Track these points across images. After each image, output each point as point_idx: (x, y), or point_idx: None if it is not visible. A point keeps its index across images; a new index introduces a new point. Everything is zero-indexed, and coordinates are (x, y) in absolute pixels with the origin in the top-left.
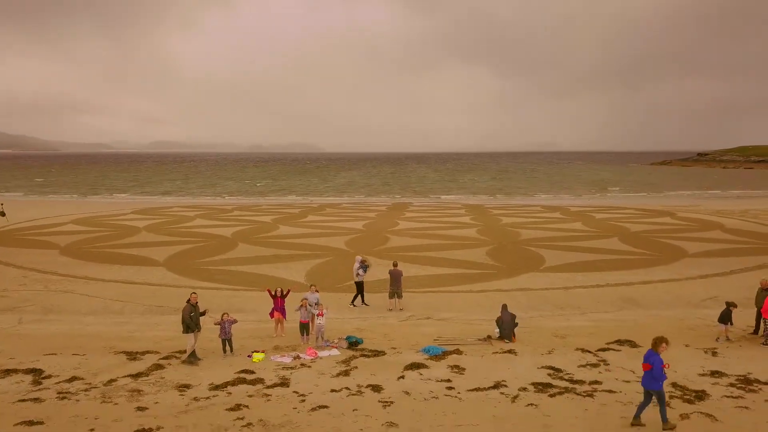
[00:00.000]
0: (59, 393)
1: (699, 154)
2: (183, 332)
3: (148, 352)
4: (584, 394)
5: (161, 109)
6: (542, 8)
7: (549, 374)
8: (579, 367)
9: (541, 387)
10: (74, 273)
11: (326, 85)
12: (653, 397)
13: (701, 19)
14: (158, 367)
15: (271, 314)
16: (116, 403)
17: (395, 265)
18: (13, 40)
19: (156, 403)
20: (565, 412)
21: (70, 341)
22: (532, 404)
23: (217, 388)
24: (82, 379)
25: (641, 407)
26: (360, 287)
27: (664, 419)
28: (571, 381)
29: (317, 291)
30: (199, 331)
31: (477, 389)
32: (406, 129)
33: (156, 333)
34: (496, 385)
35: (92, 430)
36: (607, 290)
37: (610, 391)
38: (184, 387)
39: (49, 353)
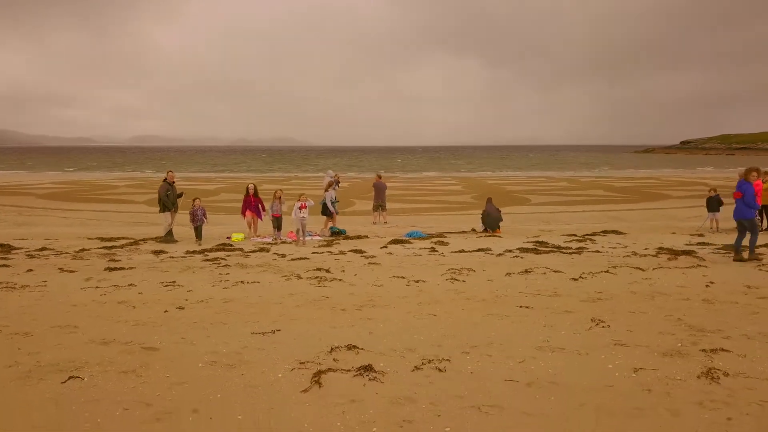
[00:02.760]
0: (28, 255)
1: (682, 143)
2: (159, 211)
3: (123, 238)
4: (570, 252)
5: (142, 102)
6: None
7: (535, 245)
8: (565, 243)
9: (527, 250)
10: (51, 206)
11: (311, 77)
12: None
13: (689, 10)
14: (133, 243)
15: (243, 212)
16: (88, 260)
17: (379, 177)
18: (4, 38)
19: (129, 259)
20: (551, 260)
21: (42, 236)
22: (518, 257)
23: (193, 252)
24: (52, 249)
25: (738, 241)
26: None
27: (752, 250)
28: (558, 248)
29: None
30: (176, 210)
31: (461, 251)
32: (392, 121)
33: (134, 231)
34: (480, 250)
35: (61, 269)
36: (592, 213)
37: (597, 252)
38: (159, 252)
39: (18, 238)
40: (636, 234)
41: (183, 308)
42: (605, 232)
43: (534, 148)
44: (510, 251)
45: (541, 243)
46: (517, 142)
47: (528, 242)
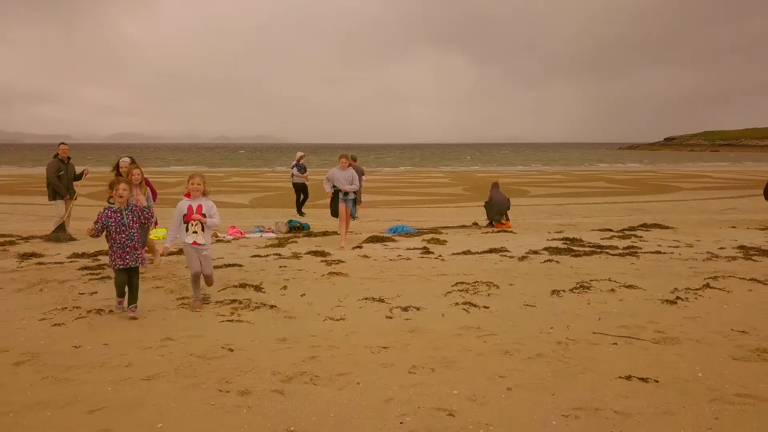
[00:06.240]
0: None
1: (666, 139)
2: (48, 199)
3: (3, 235)
4: (621, 253)
5: (120, 99)
6: None
7: (566, 243)
8: (604, 240)
9: (559, 251)
10: None
11: (293, 73)
12: None
13: (673, 9)
14: (7, 243)
15: None
16: None
17: (354, 159)
18: None
19: None
20: (603, 266)
21: None
22: (551, 261)
23: (81, 256)
24: None
25: None
26: (300, 190)
27: None
28: (599, 247)
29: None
30: (72, 197)
31: (466, 252)
32: (376, 119)
33: (34, 227)
34: (493, 251)
35: None
36: (608, 205)
37: (657, 252)
38: (29, 256)
39: None
40: (686, 229)
41: None
42: (645, 226)
43: (519, 145)
44: (535, 252)
45: (573, 240)
46: (503, 140)
47: (553, 239)
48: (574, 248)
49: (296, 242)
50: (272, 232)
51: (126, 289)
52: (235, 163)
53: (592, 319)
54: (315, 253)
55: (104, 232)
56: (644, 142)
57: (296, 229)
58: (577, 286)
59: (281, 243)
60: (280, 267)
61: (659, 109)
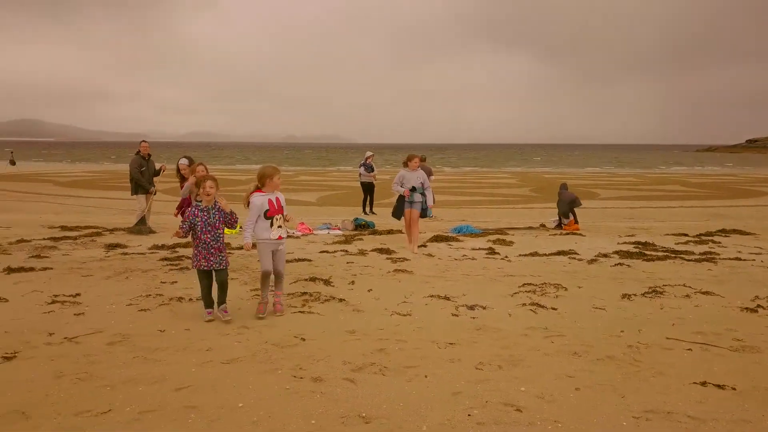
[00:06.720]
0: None
1: (748, 141)
2: (131, 193)
3: (89, 227)
4: (696, 259)
5: (194, 99)
6: None
7: (638, 247)
8: (678, 245)
9: (630, 255)
10: (60, 193)
11: (357, 74)
12: None
13: (757, 3)
14: (94, 234)
15: (178, 210)
16: (9, 254)
17: (422, 159)
18: (44, 29)
19: (65, 255)
20: (677, 271)
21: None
22: (622, 264)
23: (160, 248)
24: None
25: None
26: (366, 189)
27: None
28: (673, 252)
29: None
30: (152, 193)
31: (533, 254)
32: (438, 118)
33: (118, 220)
34: (561, 253)
35: None
36: (683, 209)
37: (737, 259)
38: (114, 246)
39: None
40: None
41: (13, 357)
42: (724, 231)
43: (583, 146)
44: (605, 255)
45: (645, 244)
46: (566, 141)
47: (624, 243)
48: (646, 252)
49: (362, 240)
50: (339, 229)
51: (214, 295)
52: (302, 162)
53: (665, 324)
54: (380, 251)
55: (191, 232)
56: (723, 144)
57: (362, 227)
58: (650, 290)
59: (348, 240)
60: (347, 263)
61: (739, 109)
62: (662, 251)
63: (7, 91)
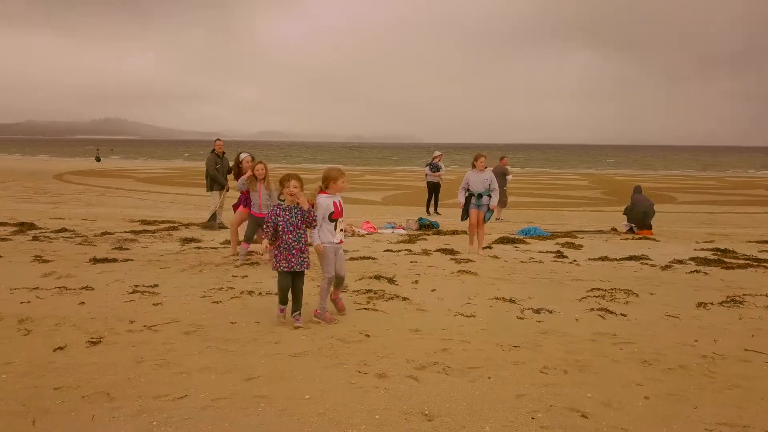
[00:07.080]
0: (35, 237)
1: None
2: (207, 190)
3: (166, 221)
4: None
5: (265, 99)
6: None
7: (716, 254)
8: (761, 252)
9: (707, 262)
10: (140, 188)
11: (425, 72)
12: None
13: None
14: (171, 228)
15: (235, 207)
16: (94, 245)
17: (502, 159)
18: (129, 31)
19: (144, 247)
20: (758, 281)
21: (85, 215)
22: (698, 272)
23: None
24: (73, 231)
25: None
26: (432, 189)
27: None
28: (756, 260)
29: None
30: (226, 189)
31: (603, 258)
32: (509, 118)
33: (194, 215)
34: (632, 258)
35: (38, 257)
36: None
37: None
38: (189, 240)
39: (54, 218)
40: None
41: (98, 342)
42: None
43: (663, 148)
44: (680, 262)
45: (725, 251)
46: (640, 142)
47: (702, 249)
48: (725, 260)
49: (426, 240)
50: (403, 228)
51: (290, 295)
52: (368, 161)
53: (744, 335)
54: (444, 251)
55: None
56: None
57: (426, 227)
58: (728, 299)
59: (412, 239)
60: (411, 262)
61: None
62: (743, 259)
63: (93, 92)
